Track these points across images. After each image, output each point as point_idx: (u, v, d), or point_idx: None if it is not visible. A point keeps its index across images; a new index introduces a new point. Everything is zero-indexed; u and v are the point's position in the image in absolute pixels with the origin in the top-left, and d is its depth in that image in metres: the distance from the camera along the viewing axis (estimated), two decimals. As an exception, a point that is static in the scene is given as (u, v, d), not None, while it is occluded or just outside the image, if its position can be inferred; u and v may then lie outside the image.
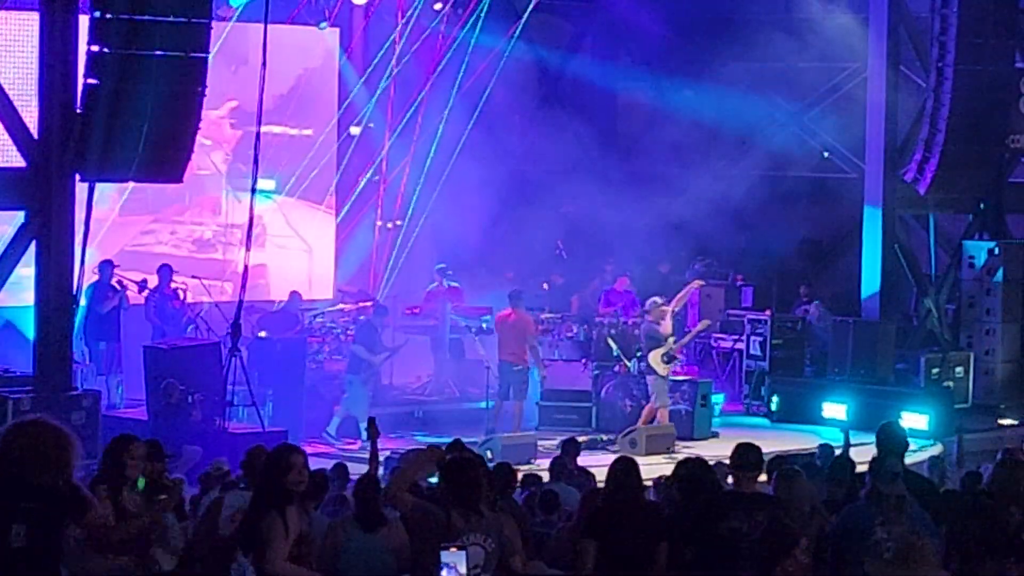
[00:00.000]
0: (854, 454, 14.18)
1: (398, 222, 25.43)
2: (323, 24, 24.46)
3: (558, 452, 15.92)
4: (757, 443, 10.49)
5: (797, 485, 10.46)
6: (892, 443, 10.96)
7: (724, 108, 26.61)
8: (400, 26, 24.69)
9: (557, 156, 25.11)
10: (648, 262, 25.69)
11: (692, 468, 10.60)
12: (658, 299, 21.71)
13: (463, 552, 7.74)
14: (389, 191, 25.42)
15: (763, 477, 10.55)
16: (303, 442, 17.16)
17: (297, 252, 25.06)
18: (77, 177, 17.70)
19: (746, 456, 10.18)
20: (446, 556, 7.75)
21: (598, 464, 15.83)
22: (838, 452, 14.85)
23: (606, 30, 27.06)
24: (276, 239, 24.78)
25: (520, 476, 14.20)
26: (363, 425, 20.75)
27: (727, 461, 10.63)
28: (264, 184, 23.25)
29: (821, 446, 15.94)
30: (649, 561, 9.85)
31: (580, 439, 20.62)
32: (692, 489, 10.34)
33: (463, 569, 7.62)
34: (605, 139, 26.50)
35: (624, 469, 10.23)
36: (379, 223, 25.63)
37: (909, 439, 11.57)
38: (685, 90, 27.28)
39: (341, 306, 23.57)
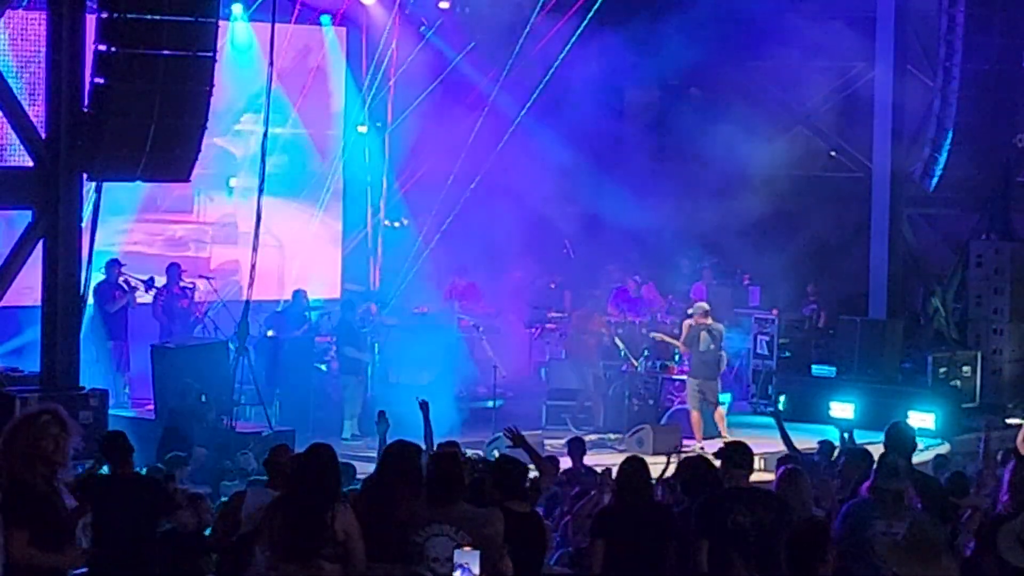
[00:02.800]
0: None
1: (404, 221, 25.42)
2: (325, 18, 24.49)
3: (564, 452, 15.94)
4: (764, 442, 10.55)
5: (801, 484, 10.51)
6: (899, 441, 11.04)
7: (731, 107, 26.58)
8: (393, 27, 24.71)
9: (562, 157, 25.06)
10: (653, 262, 25.69)
11: (695, 466, 10.64)
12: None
13: (476, 552, 7.71)
14: (395, 190, 25.41)
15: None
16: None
17: (269, 249, 24.82)
18: (84, 176, 17.70)
19: (738, 455, 10.26)
20: (459, 555, 7.72)
21: (603, 464, 15.83)
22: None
23: (609, 28, 26.99)
24: (248, 236, 24.61)
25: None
26: (348, 423, 20.85)
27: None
28: (238, 182, 23.51)
29: (821, 443, 15.92)
30: (659, 560, 9.88)
31: (587, 438, 20.76)
32: (695, 486, 10.37)
33: (476, 569, 7.59)
34: (612, 140, 26.47)
35: (633, 469, 10.28)
36: (385, 223, 25.61)
37: (918, 439, 11.71)
38: (692, 88, 27.27)
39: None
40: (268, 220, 21.39)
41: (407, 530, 8.79)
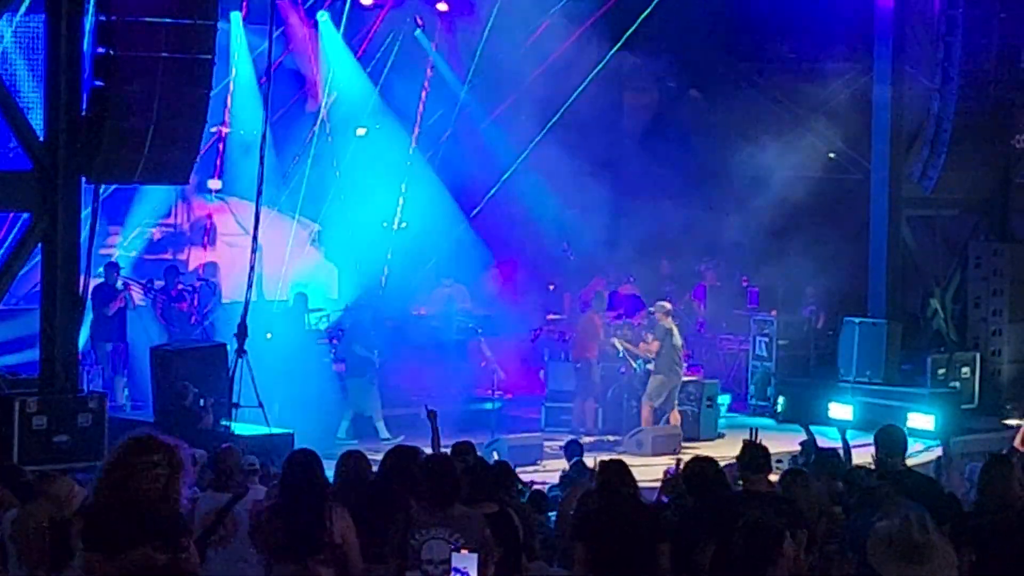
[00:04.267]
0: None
1: (403, 224, 25.40)
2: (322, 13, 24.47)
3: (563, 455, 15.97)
4: (762, 444, 10.51)
5: (802, 485, 10.48)
6: (888, 445, 11.09)
7: (729, 108, 26.60)
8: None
9: (561, 156, 25.07)
10: (653, 263, 25.70)
11: (701, 466, 10.60)
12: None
13: (474, 556, 7.71)
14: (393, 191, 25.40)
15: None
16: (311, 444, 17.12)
17: (245, 251, 24.80)
18: (83, 179, 17.69)
19: (755, 458, 10.21)
20: (456, 559, 7.73)
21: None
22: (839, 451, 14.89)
23: (609, 29, 26.98)
24: (226, 238, 24.66)
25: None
26: (380, 424, 20.88)
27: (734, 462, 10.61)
28: (213, 184, 23.74)
29: (803, 443, 15.90)
30: (647, 562, 9.83)
31: (586, 439, 20.76)
32: (700, 487, 10.35)
33: (473, 572, 7.58)
34: (609, 141, 26.47)
35: (614, 471, 10.23)
36: (384, 224, 25.59)
37: (918, 440, 11.74)
38: (691, 90, 27.26)
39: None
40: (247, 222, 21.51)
41: (397, 532, 8.81)
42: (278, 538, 8.90)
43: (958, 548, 9.88)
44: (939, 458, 18.06)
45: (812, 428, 20.63)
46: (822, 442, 16.42)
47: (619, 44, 24.03)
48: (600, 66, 24.08)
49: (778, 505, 9.89)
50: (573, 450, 16.04)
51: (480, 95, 25.08)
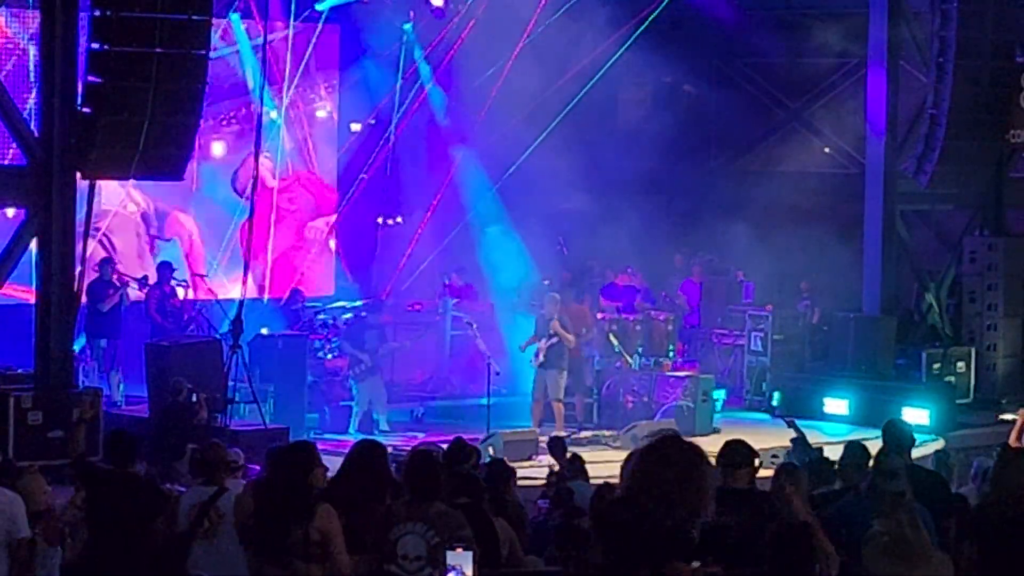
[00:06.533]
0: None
1: (398, 219, 25.40)
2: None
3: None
4: (758, 439, 10.52)
5: (796, 481, 10.47)
6: (897, 439, 11.07)
7: (724, 103, 26.56)
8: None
9: (555, 150, 25.07)
10: (650, 258, 25.68)
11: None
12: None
13: (469, 553, 7.71)
14: (390, 187, 25.39)
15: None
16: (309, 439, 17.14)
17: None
18: (78, 175, 17.70)
19: (734, 453, 10.23)
20: (451, 556, 7.73)
21: (600, 460, 15.86)
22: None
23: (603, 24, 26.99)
24: None
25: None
26: (382, 417, 20.90)
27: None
28: None
29: (794, 439, 15.90)
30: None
31: (583, 435, 20.77)
32: None
33: (468, 571, 7.58)
34: (604, 134, 26.44)
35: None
36: (379, 219, 25.60)
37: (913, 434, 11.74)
38: (685, 84, 27.25)
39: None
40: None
41: (377, 527, 8.82)
42: (256, 536, 8.93)
43: (960, 543, 9.92)
44: (938, 451, 18.08)
45: (805, 424, 20.69)
46: (813, 436, 16.44)
47: (626, 46, 23.99)
48: (605, 68, 24.04)
49: (750, 500, 9.91)
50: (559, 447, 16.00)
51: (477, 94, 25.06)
